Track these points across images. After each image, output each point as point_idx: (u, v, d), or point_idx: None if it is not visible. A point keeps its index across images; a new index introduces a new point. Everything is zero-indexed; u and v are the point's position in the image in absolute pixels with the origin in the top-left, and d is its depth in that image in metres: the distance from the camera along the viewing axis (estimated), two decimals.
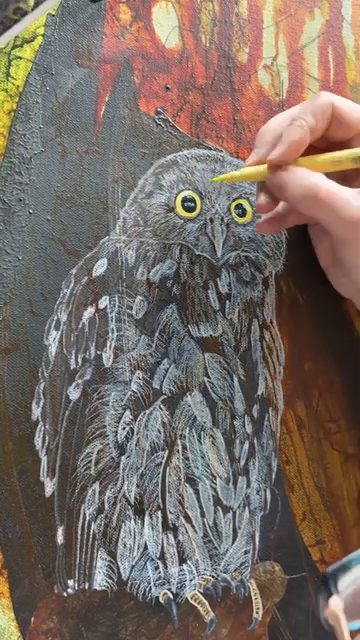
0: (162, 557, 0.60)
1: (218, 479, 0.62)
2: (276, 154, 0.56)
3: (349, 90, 0.67)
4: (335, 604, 0.41)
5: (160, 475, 0.61)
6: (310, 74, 0.66)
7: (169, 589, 0.60)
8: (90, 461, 0.59)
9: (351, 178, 0.60)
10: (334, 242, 0.60)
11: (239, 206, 0.63)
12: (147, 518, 0.60)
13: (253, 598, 0.62)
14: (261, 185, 0.59)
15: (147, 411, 0.61)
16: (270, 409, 0.64)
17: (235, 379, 0.63)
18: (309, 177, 0.56)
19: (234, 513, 0.62)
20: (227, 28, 0.64)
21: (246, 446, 0.63)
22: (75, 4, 0.62)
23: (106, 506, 0.59)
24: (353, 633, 0.41)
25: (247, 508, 0.63)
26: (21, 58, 0.60)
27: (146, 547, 0.60)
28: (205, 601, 0.61)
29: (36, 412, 0.59)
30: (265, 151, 0.58)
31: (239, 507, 0.62)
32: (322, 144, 0.59)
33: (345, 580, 0.42)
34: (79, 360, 0.60)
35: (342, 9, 0.67)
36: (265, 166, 0.58)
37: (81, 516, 0.59)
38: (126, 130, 0.62)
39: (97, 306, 0.60)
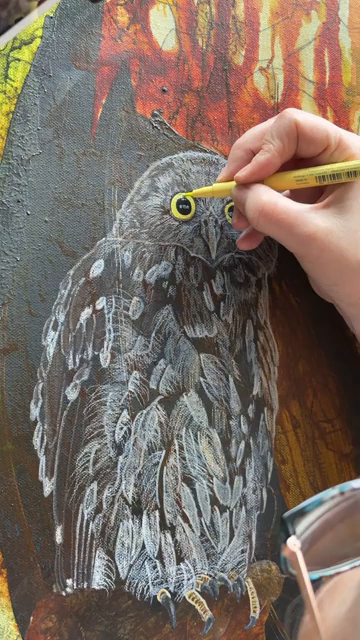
0: (160, 556, 0.60)
1: (215, 479, 0.62)
2: (243, 174, 0.58)
3: (345, 92, 0.67)
4: (292, 543, 0.41)
5: (157, 475, 0.61)
6: (306, 77, 0.66)
7: (167, 588, 0.61)
8: (88, 461, 0.60)
9: (316, 195, 0.61)
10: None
11: (232, 208, 0.64)
12: (145, 517, 0.60)
13: (250, 597, 0.63)
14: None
15: (144, 411, 0.61)
16: (265, 409, 0.64)
17: (231, 379, 0.63)
18: (262, 195, 0.57)
19: (231, 512, 0.62)
20: (224, 31, 0.64)
21: (242, 446, 0.63)
22: (73, 6, 0.62)
23: (104, 506, 0.60)
24: (312, 583, 0.42)
25: (244, 507, 0.63)
26: (19, 60, 0.60)
27: (144, 546, 0.60)
28: (203, 600, 0.61)
29: (34, 412, 0.59)
30: (234, 168, 0.59)
31: (236, 506, 0.63)
32: (294, 160, 0.59)
33: (302, 525, 0.43)
34: (77, 360, 0.60)
35: (339, 11, 0.67)
36: (234, 183, 0.59)
37: (79, 515, 0.59)
38: (123, 132, 0.62)
39: (94, 307, 0.61)
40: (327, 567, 0.45)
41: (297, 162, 0.58)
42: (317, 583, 0.45)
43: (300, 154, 0.58)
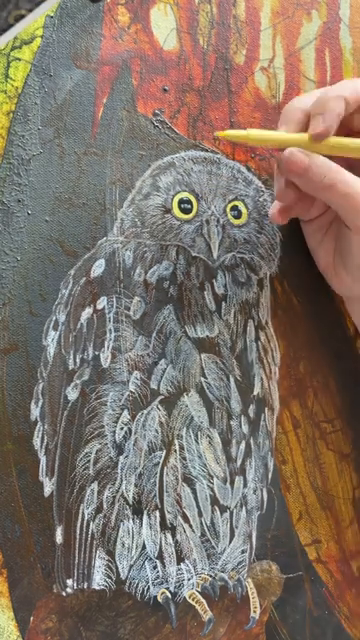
0: (160, 556, 0.60)
1: (215, 479, 0.62)
2: (323, 126, 0.55)
3: None
4: None
5: (158, 475, 0.61)
6: (307, 76, 0.66)
7: (167, 588, 0.61)
8: (89, 461, 0.60)
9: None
10: (344, 238, 0.60)
11: (234, 208, 0.64)
12: (145, 518, 0.60)
13: (250, 597, 0.63)
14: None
15: (145, 411, 0.61)
16: (266, 409, 0.64)
17: (231, 379, 0.63)
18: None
19: (231, 513, 0.62)
20: (225, 30, 0.64)
21: (242, 446, 0.63)
22: (74, 6, 0.62)
23: (104, 506, 0.60)
24: None
25: (244, 508, 0.63)
26: (20, 59, 0.60)
27: (144, 546, 0.60)
28: (203, 600, 0.61)
29: (35, 412, 0.59)
30: (295, 125, 0.57)
31: (236, 507, 0.63)
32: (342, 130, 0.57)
33: None
34: (77, 360, 0.60)
35: (340, 11, 0.67)
36: (303, 135, 0.56)
37: (80, 516, 0.59)
38: (124, 132, 0.62)
39: (95, 307, 0.61)
40: None
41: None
42: None
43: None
